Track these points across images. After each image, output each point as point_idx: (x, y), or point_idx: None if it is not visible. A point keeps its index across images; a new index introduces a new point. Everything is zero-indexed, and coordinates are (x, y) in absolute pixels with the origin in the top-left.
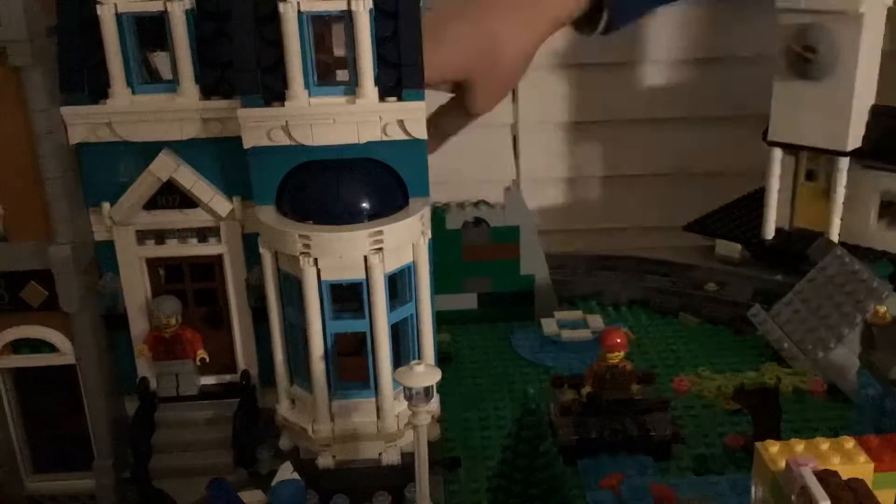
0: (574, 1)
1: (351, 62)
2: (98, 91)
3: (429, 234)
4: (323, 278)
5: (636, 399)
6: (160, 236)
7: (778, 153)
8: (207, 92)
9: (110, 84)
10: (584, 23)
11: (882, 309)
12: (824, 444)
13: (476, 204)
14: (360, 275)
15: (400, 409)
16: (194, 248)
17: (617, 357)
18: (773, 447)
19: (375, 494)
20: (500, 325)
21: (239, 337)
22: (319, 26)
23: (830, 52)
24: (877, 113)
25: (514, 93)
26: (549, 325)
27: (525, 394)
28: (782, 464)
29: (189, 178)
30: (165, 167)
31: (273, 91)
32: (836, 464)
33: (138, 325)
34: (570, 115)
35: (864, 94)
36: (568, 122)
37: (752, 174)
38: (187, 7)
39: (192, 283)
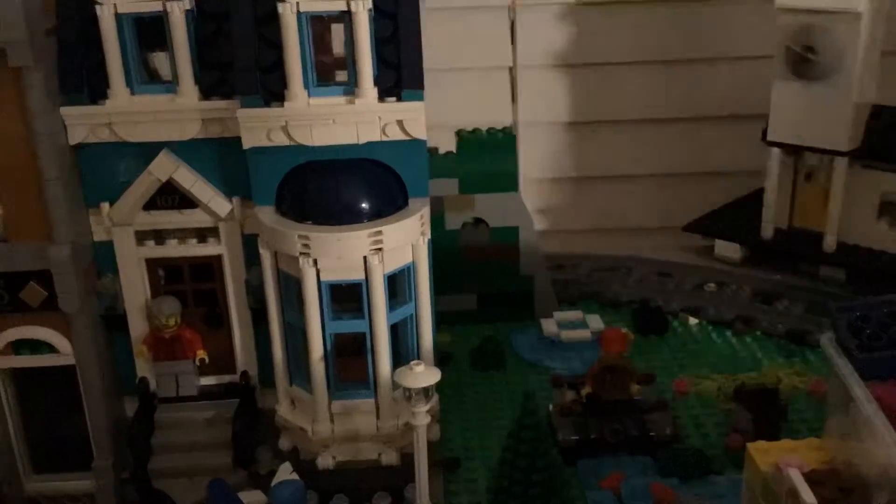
0: None
1: (350, 62)
2: (98, 91)
3: (428, 235)
4: (322, 279)
5: (636, 399)
6: (160, 237)
7: (777, 153)
8: (207, 92)
9: (110, 84)
10: None
11: None
12: (816, 444)
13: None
14: (359, 275)
15: (399, 410)
16: (194, 249)
17: (616, 357)
18: (764, 448)
19: (375, 495)
20: (500, 325)
21: (238, 337)
22: (319, 26)
23: (830, 52)
24: (876, 113)
25: (514, 92)
26: (548, 326)
27: (525, 394)
28: (772, 465)
29: (188, 179)
30: (165, 167)
31: (272, 91)
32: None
33: (138, 326)
34: (570, 115)
35: (864, 93)
36: (568, 123)
37: (751, 174)
38: (187, 7)
39: (191, 283)
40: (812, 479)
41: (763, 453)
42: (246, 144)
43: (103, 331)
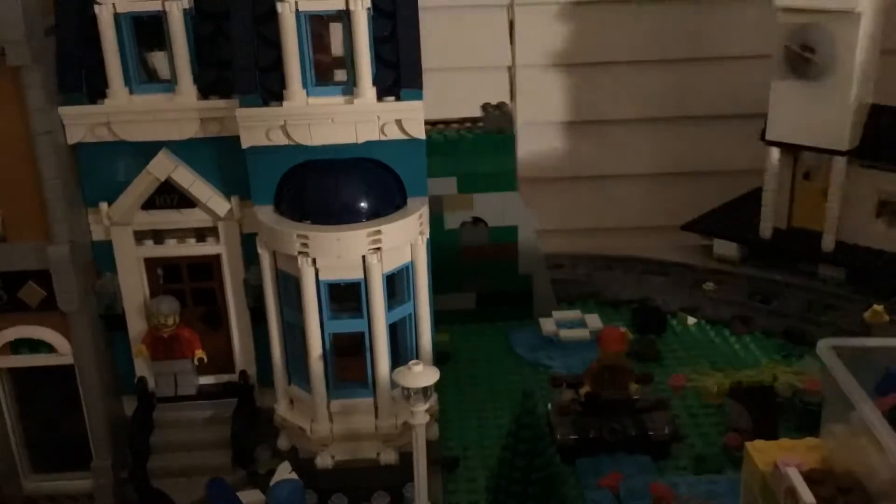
0: None
1: (349, 62)
2: (96, 91)
3: (427, 234)
4: (321, 278)
5: (635, 398)
6: (158, 236)
7: (776, 153)
8: (206, 92)
9: (108, 84)
10: None
11: (879, 308)
12: (815, 444)
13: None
14: (358, 274)
15: (398, 409)
16: (192, 248)
17: (615, 356)
18: (762, 447)
19: (374, 494)
20: (499, 324)
21: (237, 337)
22: (317, 26)
23: (829, 52)
24: (875, 112)
25: (513, 92)
26: (547, 325)
27: (524, 394)
28: (771, 464)
29: (187, 178)
30: (164, 167)
31: (271, 91)
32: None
33: (137, 325)
34: (569, 115)
35: (862, 93)
36: (567, 122)
37: (750, 174)
38: (185, 7)
39: (190, 282)
40: (810, 478)
41: (762, 452)
42: (245, 144)
43: (102, 330)
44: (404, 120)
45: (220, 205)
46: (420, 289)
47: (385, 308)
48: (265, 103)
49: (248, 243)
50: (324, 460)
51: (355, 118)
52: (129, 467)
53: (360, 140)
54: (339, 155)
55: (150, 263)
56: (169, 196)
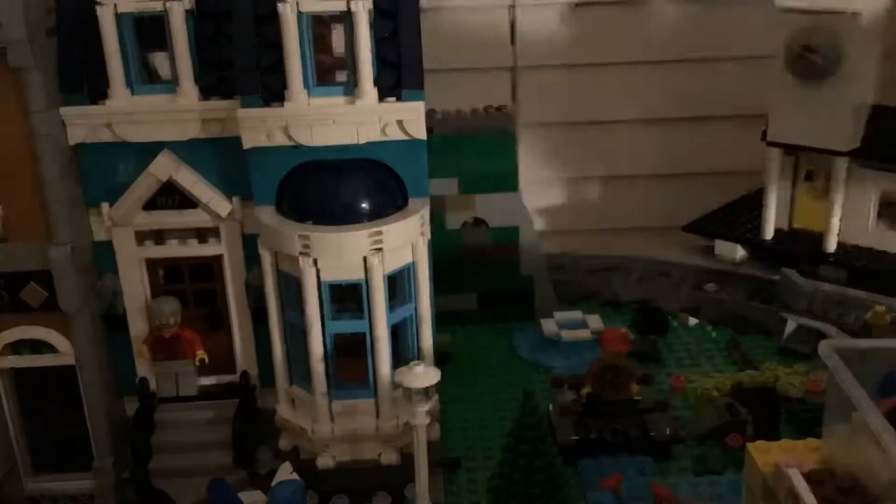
0: None
1: (350, 63)
2: (98, 92)
3: (428, 235)
4: (322, 279)
5: (636, 399)
6: (160, 237)
7: (777, 153)
8: (207, 92)
9: (110, 85)
10: None
11: (881, 309)
12: (816, 444)
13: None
14: (359, 275)
15: (399, 410)
16: (194, 249)
17: (616, 357)
18: (763, 448)
19: (375, 494)
20: (500, 325)
21: (238, 337)
22: (319, 27)
23: (830, 53)
24: (876, 113)
25: (514, 92)
26: (548, 326)
27: (525, 394)
28: (772, 465)
29: (189, 179)
30: (165, 168)
31: (272, 91)
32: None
33: (138, 326)
34: (570, 115)
35: (863, 94)
36: (568, 123)
37: (751, 174)
38: (187, 7)
39: (191, 283)
40: (812, 478)
41: (763, 453)
42: (246, 144)
43: (103, 331)
44: (405, 121)
45: (222, 205)
46: (421, 289)
47: (386, 309)
48: (266, 104)
49: (250, 244)
50: (325, 461)
51: (356, 119)
52: (131, 468)
53: (362, 141)
54: (340, 155)
55: (152, 264)
56: (170, 197)
